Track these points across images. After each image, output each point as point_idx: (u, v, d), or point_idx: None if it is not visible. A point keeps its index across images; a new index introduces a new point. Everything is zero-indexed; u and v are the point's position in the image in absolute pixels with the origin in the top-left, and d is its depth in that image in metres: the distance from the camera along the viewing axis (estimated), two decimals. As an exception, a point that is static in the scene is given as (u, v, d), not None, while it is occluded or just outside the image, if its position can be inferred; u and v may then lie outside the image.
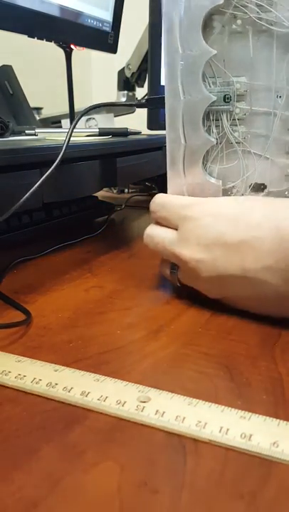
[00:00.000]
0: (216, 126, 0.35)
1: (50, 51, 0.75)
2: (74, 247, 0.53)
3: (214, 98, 0.33)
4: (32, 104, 0.84)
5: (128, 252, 0.52)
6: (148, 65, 0.80)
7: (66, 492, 0.19)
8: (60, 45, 0.72)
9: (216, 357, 0.29)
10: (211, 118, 0.34)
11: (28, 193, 0.36)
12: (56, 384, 0.25)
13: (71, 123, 0.45)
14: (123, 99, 1.05)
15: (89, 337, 0.32)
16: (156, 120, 0.79)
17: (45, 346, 0.30)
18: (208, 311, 0.36)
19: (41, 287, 0.41)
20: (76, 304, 0.37)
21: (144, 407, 0.24)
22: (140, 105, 0.49)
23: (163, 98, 0.35)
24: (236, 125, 0.34)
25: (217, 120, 0.34)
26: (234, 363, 0.28)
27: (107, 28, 0.79)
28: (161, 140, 0.44)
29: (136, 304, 0.37)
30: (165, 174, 0.37)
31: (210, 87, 0.34)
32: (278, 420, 0.23)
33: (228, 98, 0.34)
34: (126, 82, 1.05)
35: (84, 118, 0.81)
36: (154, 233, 0.37)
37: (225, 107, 0.34)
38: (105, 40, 0.80)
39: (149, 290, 0.41)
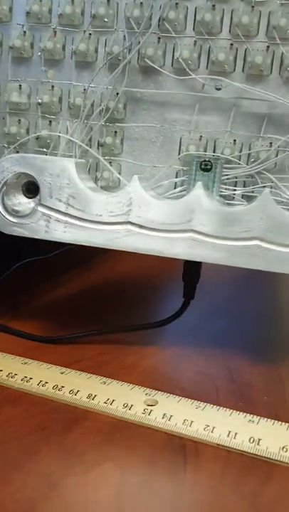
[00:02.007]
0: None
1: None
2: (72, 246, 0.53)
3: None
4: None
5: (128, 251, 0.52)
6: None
7: (66, 493, 0.19)
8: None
9: (217, 357, 0.29)
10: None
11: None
12: (63, 387, 0.25)
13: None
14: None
15: (88, 337, 0.32)
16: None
17: (45, 346, 0.30)
18: (209, 311, 0.35)
19: (41, 287, 0.41)
20: (75, 304, 0.37)
21: (151, 410, 0.23)
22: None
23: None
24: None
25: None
26: (235, 364, 0.28)
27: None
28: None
29: (137, 304, 0.37)
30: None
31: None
32: (287, 424, 0.23)
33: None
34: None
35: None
36: None
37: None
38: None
39: (150, 289, 0.40)
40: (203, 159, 0.27)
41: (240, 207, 0.26)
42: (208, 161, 0.27)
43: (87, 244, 0.27)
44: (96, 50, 0.28)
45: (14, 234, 0.28)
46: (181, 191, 0.28)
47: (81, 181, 0.26)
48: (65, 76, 0.29)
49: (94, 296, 0.40)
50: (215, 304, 0.36)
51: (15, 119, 0.30)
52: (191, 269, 0.29)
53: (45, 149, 0.29)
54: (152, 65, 0.27)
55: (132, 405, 0.24)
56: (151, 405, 0.24)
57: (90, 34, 0.28)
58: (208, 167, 0.27)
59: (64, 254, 0.48)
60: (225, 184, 0.27)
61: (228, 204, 0.27)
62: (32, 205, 0.27)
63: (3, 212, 0.28)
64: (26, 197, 0.28)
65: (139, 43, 0.27)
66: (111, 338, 0.31)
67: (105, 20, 0.27)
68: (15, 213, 0.28)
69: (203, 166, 0.27)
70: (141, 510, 0.18)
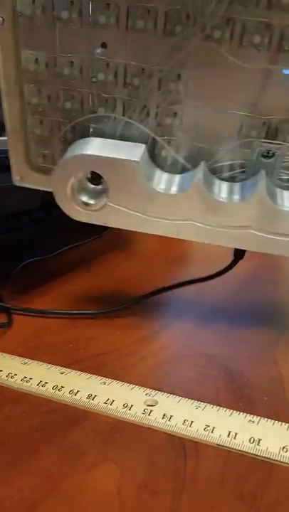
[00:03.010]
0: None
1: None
2: (73, 246, 0.53)
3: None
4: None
5: (127, 251, 0.52)
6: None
7: (66, 494, 0.19)
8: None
9: (217, 358, 0.29)
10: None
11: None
12: (62, 387, 0.25)
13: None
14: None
15: (88, 338, 0.31)
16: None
17: (45, 347, 0.30)
18: (209, 311, 0.35)
19: (40, 287, 0.41)
20: (75, 305, 0.37)
21: (151, 410, 0.23)
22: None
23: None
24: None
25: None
26: (235, 364, 0.28)
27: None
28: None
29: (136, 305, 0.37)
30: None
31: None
32: (287, 424, 0.23)
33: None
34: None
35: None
36: None
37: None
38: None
39: (149, 290, 0.40)
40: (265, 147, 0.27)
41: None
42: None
43: (151, 233, 0.29)
44: (155, 27, 0.26)
45: (87, 222, 0.30)
46: (240, 173, 0.28)
47: (146, 180, 0.27)
48: (120, 53, 0.27)
49: (95, 296, 0.40)
50: (215, 304, 0.36)
51: (69, 94, 0.29)
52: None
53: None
54: (217, 46, 0.25)
55: (132, 405, 0.24)
56: (151, 405, 0.24)
57: (148, 10, 0.25)
58: (270, 154, 0.27)
59: (65, 254, 0.48)
60: (284, 169, 0.27)
61: (287, 187, 0.27)
62: (102, 200, 0.29)
63: (76, 206, 0.30)
64: (92, 184, 0.29)
65: (205, 22, 0.25)
66: (110, 338, 0.31)
67: None
68: (86, 206, 0.30)
69: (265, 154, 0.27)
70: (141, 510, 0.18)
